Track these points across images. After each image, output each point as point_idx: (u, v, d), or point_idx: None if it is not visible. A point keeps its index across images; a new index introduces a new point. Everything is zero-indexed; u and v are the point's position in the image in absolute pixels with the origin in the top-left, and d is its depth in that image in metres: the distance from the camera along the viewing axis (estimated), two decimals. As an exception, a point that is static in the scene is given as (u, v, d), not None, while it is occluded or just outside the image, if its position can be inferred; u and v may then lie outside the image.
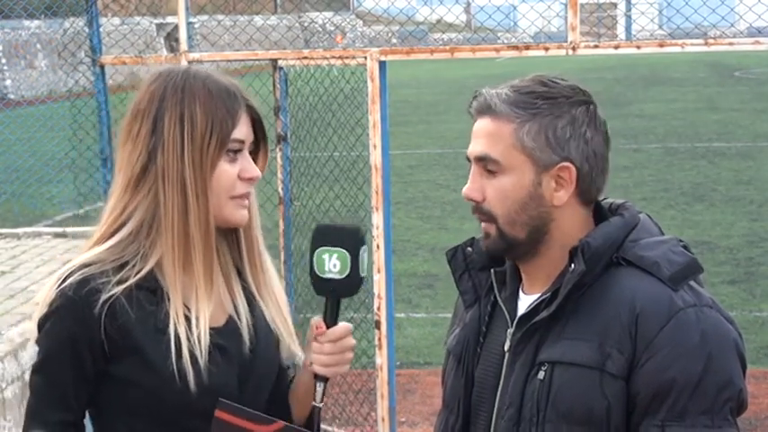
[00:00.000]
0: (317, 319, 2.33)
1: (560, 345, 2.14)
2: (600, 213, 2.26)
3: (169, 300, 2.29)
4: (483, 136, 2.21)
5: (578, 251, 2.14)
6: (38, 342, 2.32)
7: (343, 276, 2.25)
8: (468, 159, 2.26)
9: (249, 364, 2.36)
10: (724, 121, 22.65)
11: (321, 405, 2.34)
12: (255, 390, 2.37)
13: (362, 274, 2.27)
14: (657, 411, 2.07)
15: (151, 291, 2.29)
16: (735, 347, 2.12)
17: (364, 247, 2.26)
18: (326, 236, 2.27)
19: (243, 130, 2.33)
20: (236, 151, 2.32)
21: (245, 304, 2.39)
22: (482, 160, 2.21)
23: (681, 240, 2.23)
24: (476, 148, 2.22)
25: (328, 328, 2.31)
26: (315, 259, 2.26)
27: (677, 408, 2.06)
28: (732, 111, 24.30)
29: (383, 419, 6.06)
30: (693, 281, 2.17)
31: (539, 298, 2.20)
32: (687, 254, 2.18)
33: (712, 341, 2.09)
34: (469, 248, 2.34)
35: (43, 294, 2.31)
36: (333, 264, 2.25)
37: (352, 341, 2.34)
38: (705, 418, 2.06)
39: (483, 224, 2.24)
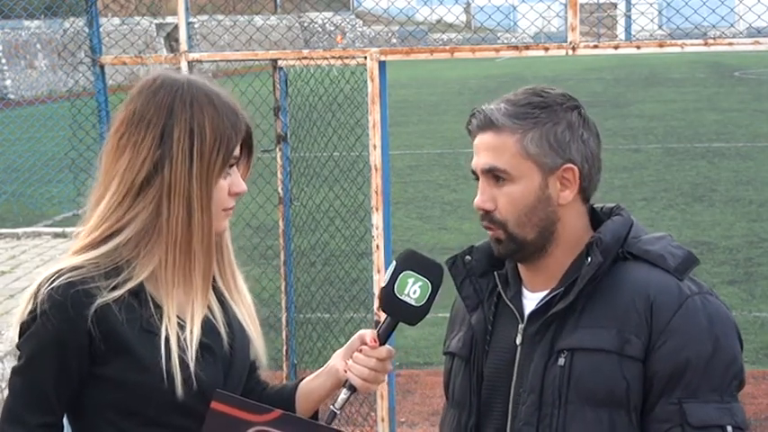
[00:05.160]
0: (372, 332, 2.41)
1: (578, 333, 2.30)
2: (594, 215, 2.44)
3: (160, 305, 2.30)
4: (487, 149, 2.36)
5: (594, 245, 2.32)
6: (21, 344, 2.29)
7: (418, 305, 2.35)
8: (474, 173, 2.40)
9: (229, 362, 2.38)
10: (724, 121, 22.65)
11: (339, 411, 2.39)
12: (235, 386, 2.39)
13: (428, 311, 2.36)
14: (674, 390, 2.24)
15: (138, 294, 2.29)
16: (736, 330, 2.32)
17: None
18: (417, 262, 2.37)
19: (238, 147, 2.37)
20: (231, 166, 2.36)
21: (218, 304, 2.41)
22: (490, 171, 2.35)
23: (671, 237, 2.42)
24: (481, 160, 2.37)
25: (379, 345, 2.39)
26: (399, 279, 2.35)
27: (691, 386, 2.24)
28: (732, 111, 24.30)
29: (383, 419, 6.06)
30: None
31: (550, 293, 2.35)
32: (684, 248, 2.37)
33: (718, 325, 2.28)
34: (468, 257, 2.48)
35: (28, 296, 2.29)
36: (413, 290, 2.35)
37: (390, 366, 2.42)
38: (715, 394, 2.24)
39: (492, 232, 2.37)
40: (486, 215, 2.36)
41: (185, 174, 2.29)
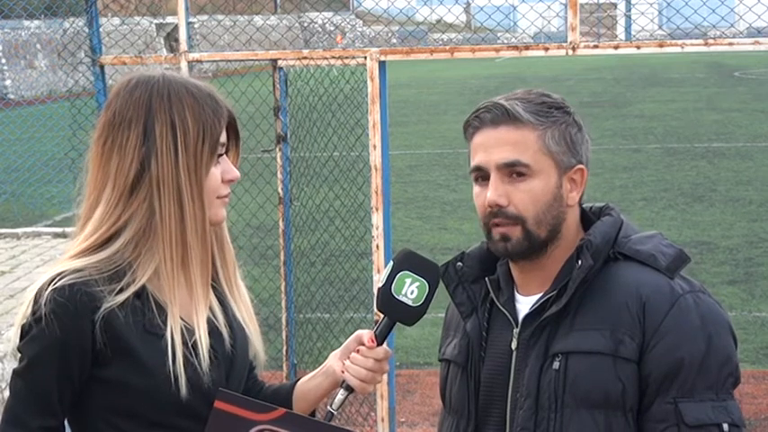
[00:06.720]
0: (369, 333, 2.40)
1: (572, 336, 2.30)
2: (584, 215, 2.44)
3: (164, 305, 2.29)
4: (507, 143, 2.33)
5: (584, 248, 2.31)
6: (23, 346, 2.28)
7: (415, 305, 2.36)
8: (480, 169, 2.35)
9: (230, 362, 2.38)
10: (723, 121, 22.64)
11: (337, 412, 2.39)
12: (236, 387, 2.39)
13: (425, 311, 2.37)
14: (669, 390, 2.25)
15: (141, 296, 2.29)
16: (729, 328, 2.33)
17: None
18: (414, 262, 2.37)
19: (224, 134, 2.36)
20: (220, 154, 2.35)
21: (218, 303, 2.40)
22: (510, 166, 2.32)
23: (662, 235, 2.42)
24: (501, 155, 2.33)
25: (377, 345, 2.39)
26: (396, 279, 2.35)
27: (686, 385, 2.25)
28: (731, 111, 24.29)
29: (383, 420, 6.06)
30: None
31: (543, 296, 2.34)
32: (675, 246, 2.37)
33: (710, 323, 2.29)
34: (459, 263, 2.47)
35: (29, 298, 2.27)
36: (411, 290, 2.35)
37: (387, 367, 2.41)
38: (711, 392, 2.25)
39: (503, 228, 2.34)
40: (500, 211, 2.32)
41: (172, 167, 2.28)
